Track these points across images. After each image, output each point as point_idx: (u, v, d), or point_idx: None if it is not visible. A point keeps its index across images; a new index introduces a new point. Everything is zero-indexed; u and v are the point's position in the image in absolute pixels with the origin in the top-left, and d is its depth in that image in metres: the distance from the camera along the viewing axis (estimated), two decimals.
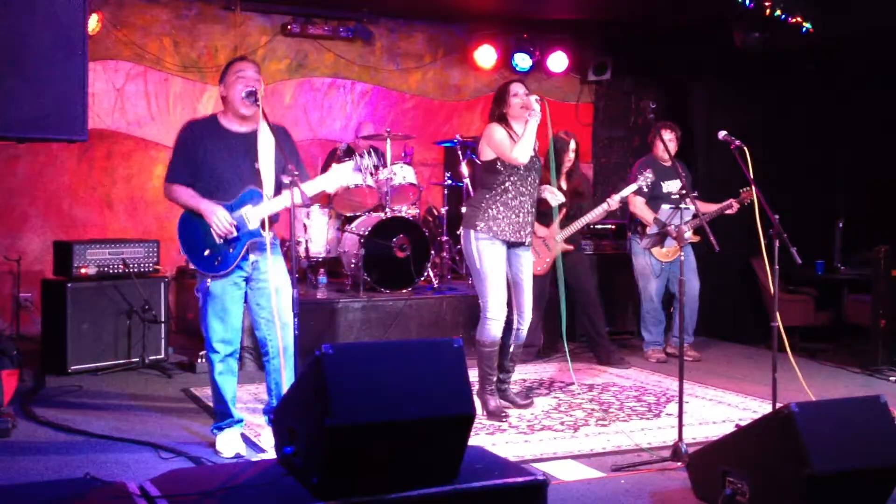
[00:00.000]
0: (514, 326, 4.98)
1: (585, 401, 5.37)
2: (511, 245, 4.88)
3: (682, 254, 4.35)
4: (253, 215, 4.10)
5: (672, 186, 6.60)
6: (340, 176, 4.22)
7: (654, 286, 6.66)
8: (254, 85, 4.10)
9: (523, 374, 6.06)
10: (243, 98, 4.08)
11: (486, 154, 4.88)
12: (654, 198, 6.49)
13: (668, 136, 6.50)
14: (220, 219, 4.04)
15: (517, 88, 4.87)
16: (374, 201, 7.23)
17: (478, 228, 4.80)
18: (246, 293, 4.24)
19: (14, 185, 7.23)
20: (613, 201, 5.97)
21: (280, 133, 4.20)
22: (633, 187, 6.07)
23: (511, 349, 5.03)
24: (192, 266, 4.26)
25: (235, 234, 4.07)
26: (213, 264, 4.11)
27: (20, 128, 3.84)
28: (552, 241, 5.99)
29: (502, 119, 4.87)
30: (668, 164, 6.30)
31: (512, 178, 4.83)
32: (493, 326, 4.84)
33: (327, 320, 6.45)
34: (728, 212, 6.34)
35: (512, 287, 4.95)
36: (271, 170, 4.15)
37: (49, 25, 3.87)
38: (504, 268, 4.85)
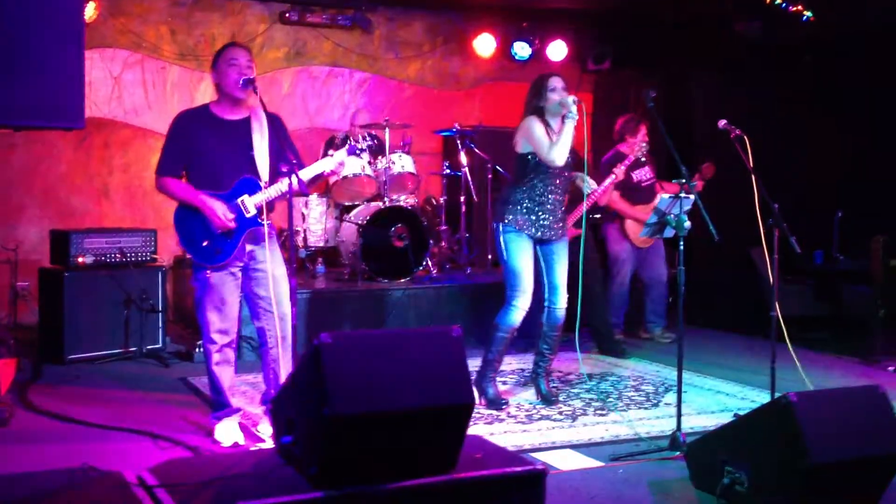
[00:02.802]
0: (547, 305, 4.94)
1: (583, 390, 5.38)
2: (539, 241, 4.88)
3: (682, 242, 4.34)
4: (249, 204, 4.08)
5: (642, 175, 6.83)
6: (336, 159, 4.21)
7: (627, 270, 6.91)
8: (247, 72, 4.06)
9: (523, 362, 6.06)
10: (238, 85, 4.04)
11: (521, 147, 4.82)
12: (627, 188, 6.68)
13: (643, 131, 6.76)
14: (220, 215, 4.02)
15: (556, 83, 4.78)
16: (372, 190, 7.21)
17: (506, 221, 4.82)
18: (243, 283, 4.23)
19: (11, 174, 7.20)
20: (619, 171, 5.94)
21: (275, 121, 4.18)
22: (624, 168, 6.13)
23: (546, 331, 4.97)
24: (189, 256, 4.24)
25: (235, 225, 4.05)
26: (212, 255, 4.09)
27: (17, 115, 3.82)
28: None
29: (538, 112, 4.79)
30: (633, 156, 6.35)
31: (541, 175, 4.80)
32: (514, 314, 4.83)
33: (325, 310, 6.44)
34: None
35: (543, 268, 4.93)
36: (265, 157, 4.13)
37: (45, 13, 3.84)
38: (531, 258, 4.85)
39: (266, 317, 4.19)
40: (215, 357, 4.19)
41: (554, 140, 4.67)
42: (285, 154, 3.95)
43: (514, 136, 4.88)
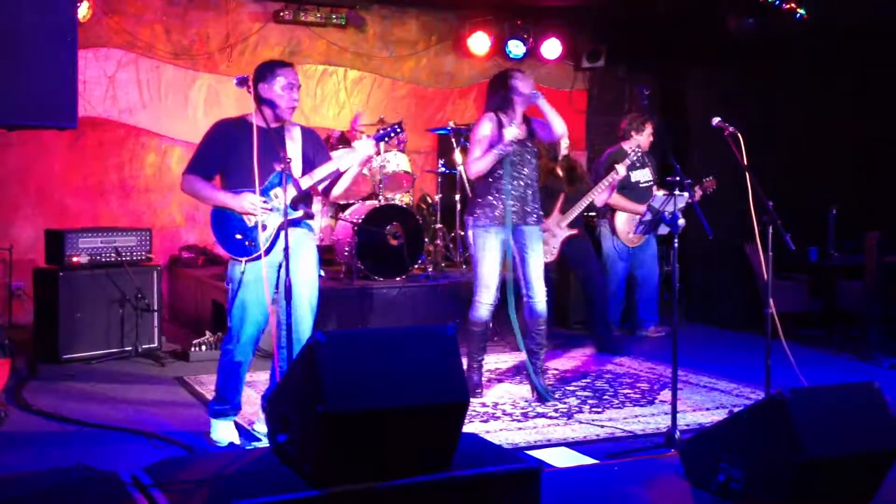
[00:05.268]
0: (525, 300, 4.96)
1: (579, 388, 5.39)
2: (513, 228, 4.92)
3: (676, 241, 4.34)
4: (282, 196, 4.05)
5: (640, 176, 6.81)
6: (361, 153, 4.22)
7: (620, 269, 6.94)
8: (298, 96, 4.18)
9: (520, 359, 6.06)
10: (292, 110, 4.14)
11: None
12: (624, 188, 6.67)
13: (649, 129, 6.67)
14: (250, 203, 4.02)
15: (522, 76, 4.99)
16: (367, 189, 7.20)
17: (475, 216, 4.94)
18: (276, 282, 4.17)
19: (5, 173, 7.19)
20: (619, 174, 5.97)
21: (309, 133, 4.31)
22: (625, 166, 6.13)
23: (530, 326, 4.97)
24: (213, 253, 4.22)
25: (269, 213, 4.04)
26: (244, 247, 4.07)
27: (9, 115, 3.81)
28: (556, 229, 6.05)
29: (503, 104, 4.92)
30: (637, 155, 6.35)
31: (504, 166, 4.87)
32: (480, 308, 4.98)
33: (320, 308, 6.39)
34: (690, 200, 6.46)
35: (518, 263, 4.98)
36: (299, 159, 4.19)
37: (38, 12, 3.84)
38: (497, 255, 4.90)
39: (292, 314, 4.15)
40: (237, 355, 4.16)
41: (480, 154, 4.85)
42: (281, 154, 3.94)
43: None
